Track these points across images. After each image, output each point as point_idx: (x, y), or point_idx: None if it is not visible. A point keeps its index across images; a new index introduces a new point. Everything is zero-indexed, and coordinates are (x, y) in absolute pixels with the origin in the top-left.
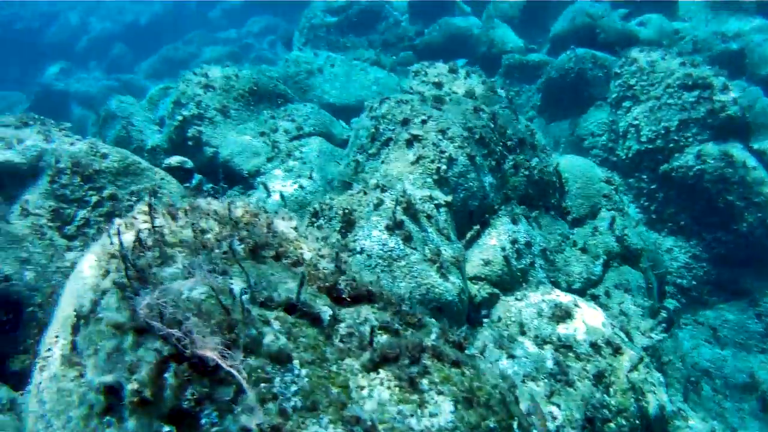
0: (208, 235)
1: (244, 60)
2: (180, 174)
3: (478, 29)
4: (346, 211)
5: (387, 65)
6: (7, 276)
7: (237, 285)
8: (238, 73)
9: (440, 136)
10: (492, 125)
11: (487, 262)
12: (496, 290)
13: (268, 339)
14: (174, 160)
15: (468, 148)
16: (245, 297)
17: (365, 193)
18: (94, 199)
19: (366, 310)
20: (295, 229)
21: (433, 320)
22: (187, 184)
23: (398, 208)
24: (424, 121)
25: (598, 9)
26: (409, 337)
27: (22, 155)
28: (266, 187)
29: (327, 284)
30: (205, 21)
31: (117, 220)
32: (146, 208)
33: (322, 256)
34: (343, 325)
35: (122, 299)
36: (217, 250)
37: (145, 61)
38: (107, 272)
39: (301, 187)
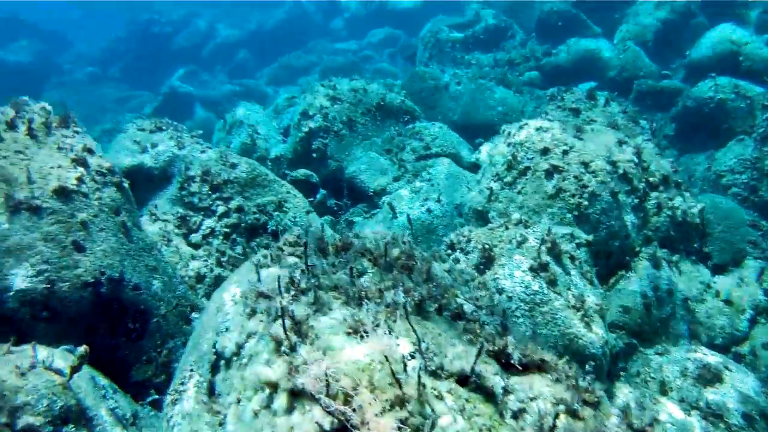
0: (365, 280)
1: (364, 72)
2: (305, 187)
3: (609, 51)
4: (486, 246)
5: (513, 85)
6: (136, 285)
7: (405, 347)
8: (366, 87)
9: (582, 169)
10: (636, 160)
11: (626, 309)
12: (634, 341)
13: (444, 421)
14: (300, 173)
15: (611, 183)
16: (419, 367)
17: (507, 228)
18: (221, 209)
19: (539, 383)
20: (449, 272)
21: (604, 394)
22: (311, 198)
23: (543, 247)
24: (565, 152)
25: (742, 35)
26: (589, 419)
27: (155, 159)
28: (392, 208)
29: (495, 348)
30: (327, 31)
31: (262, 251)
32: (293, 239)
33: (480, 308)
34: (513, 398)
35: (276, 353)
36: (378, 301)
37: (267, 67)
38: (254, 312)
39: (428, 210)
